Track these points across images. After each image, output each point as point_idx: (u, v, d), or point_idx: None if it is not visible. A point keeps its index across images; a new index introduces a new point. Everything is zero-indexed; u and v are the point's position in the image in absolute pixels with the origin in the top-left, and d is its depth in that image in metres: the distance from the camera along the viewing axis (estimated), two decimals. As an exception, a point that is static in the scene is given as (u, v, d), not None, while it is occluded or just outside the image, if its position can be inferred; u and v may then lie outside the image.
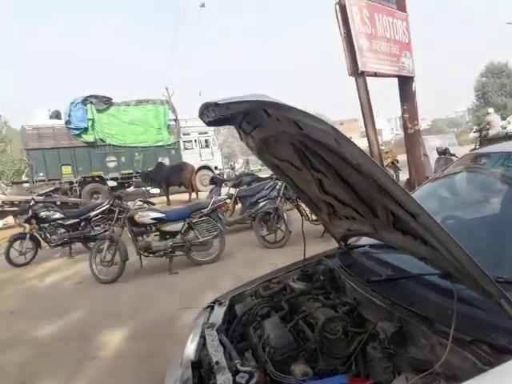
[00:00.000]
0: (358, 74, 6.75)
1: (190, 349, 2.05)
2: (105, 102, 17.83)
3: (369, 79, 7.04)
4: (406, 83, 7.86)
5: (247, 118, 1.70)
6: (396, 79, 7.91)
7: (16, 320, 4.79)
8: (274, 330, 1.80)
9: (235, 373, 1.58)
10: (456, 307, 1.34)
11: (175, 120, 19.26)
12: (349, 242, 2.37)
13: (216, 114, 1.65)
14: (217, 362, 1.68)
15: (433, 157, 9.59)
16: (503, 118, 29.55)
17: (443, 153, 8.79)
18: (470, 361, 1.23)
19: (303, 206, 6.66)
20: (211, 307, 2.32)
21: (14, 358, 3.73)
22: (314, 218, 6.40)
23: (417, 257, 1.61)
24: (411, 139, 7.87)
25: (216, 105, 1.49)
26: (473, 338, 1.28)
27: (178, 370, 1.93)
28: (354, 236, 2.30)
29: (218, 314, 2.18)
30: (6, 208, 13.54)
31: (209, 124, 1.90)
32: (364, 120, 7.08)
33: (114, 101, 18.11)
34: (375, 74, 7.38)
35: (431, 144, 9.89)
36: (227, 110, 1.54)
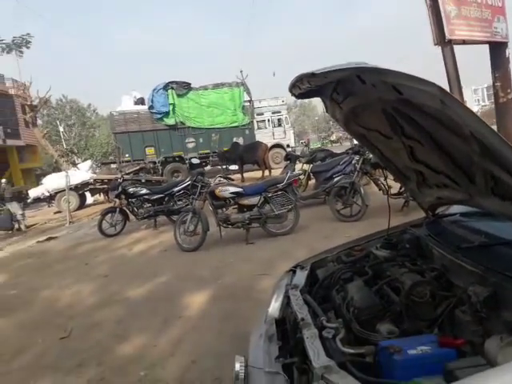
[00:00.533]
0: (444, 42, 6.31)
1: (274, 307, 2.15)
2: (184, 87, 18.62)
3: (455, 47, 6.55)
4: (498, 49, 7.18)
5: (339, 87, 1.69)
6: (485, 46, 7.26)
7: (110, 283, 5.32)
8: (359, 293, 1.82)
9: (321, 328, 1.63)
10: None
11: (249, 101, 19.53)
12: (437, 212, 2.30)
13: (310, 85, 1.66)
14: (302, 319, 1.75)
15: (527, 128, 8.69)
16: None
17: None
18: None
19: (381, 180, 6.48)
20: (293, 271, 2.40)
21: (109, 315, 4.16)
22: (394, 192, 6.21)
23: (516, 221, 1.54)
24: (503, 109, 7.23)
25: (313, 75, 1.50)
26: None
27: (263, 326, 2.05)
28: (444, 205, 2.23)
29: (301, 276, 2.24)
30: (97, 186, 14.86)
31: (298, 97, 1.92)
32: (451, 90, 6.62)
33: (192, 86, 18.81)
34: (464, 42, 6.84)
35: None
36: (324, 78, 1.54)
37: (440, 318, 1.64)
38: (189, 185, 7.83)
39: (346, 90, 1.67)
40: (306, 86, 1.68)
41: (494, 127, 7.34)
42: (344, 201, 6.63)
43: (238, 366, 1.67)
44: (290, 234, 6.31)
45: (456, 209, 2.21)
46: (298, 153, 14.42)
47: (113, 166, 19.73)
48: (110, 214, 8.62)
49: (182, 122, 18.71)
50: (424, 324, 1.66)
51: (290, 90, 1.87)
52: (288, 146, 19.83)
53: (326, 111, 2.15)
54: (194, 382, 2.76)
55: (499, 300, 1.49)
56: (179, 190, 8.29)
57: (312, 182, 8.68)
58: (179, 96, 18.53)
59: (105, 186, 14.65)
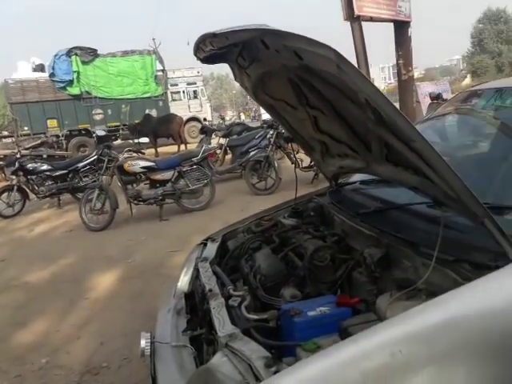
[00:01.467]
0: (353, 18, 6.55)
1: (184, 281, 2.12)
2: (90, 54, 17.18)
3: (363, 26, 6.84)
4: (402, 28, 7.65)
5: (244, 52, 1.65)
6: (391, 25, 7.69)
7: (7, 267, 4.86)
8: (266, 260, 1.85)
9: (228, 298, 1.64)
10: (442, 231, 1.38)
11: (162, 71, 18.68)
12: (340, 181, 2.40)
13: (213, 47, 1.60)
14: (210, 290, 1.74)
15: (425, 103, 9.48)
16: (497, 66, 29.09)
17: (436, 98, 8.67)
18: (451, 278, 1.29)
19: (294, 154, 6.68)
20: (204, 244, 2.37)
21: (6, 302, 3.81)
22: (305, 165, 6.44)
23: (408, 187, 1.65)
24: (405, 86, 7.79)
25: (214, 35, 1.44)
26: (455, 257, 1.33)
27: (172, 301, 2.00)
28: (346, 173, 2.33)
29: (211, 249, 2.23)
30: (-10, 163, 13.32)
31: (203, 61, 1.85)
32: (358, 66, 6.94)
33: (99, 52, 17.44)
34: (371, 19, 7.16)
35: (424, 91, 9.76)
36: (225, 39, 1.48)
37: (339, 279, 1.73)
38: (94, 159, 7.34)
39: (251, 56, 1.63)
40: (209, 49, 1.62)
41: (397, 103, 7.90)
42: (259, 175, 6.73)
43: (143, 343, 1.61)
44: (206, 209, 6.27)
45: (356, 177, 2.32)
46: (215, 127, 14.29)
47: (9, 140, 17.80)
48: (6, 193, 7.76)
49: (87, 92, 17.31)
50: (325, 286, 1.74)
51: (195, 53, 1.79)
52: (205, 119, 19.49)
53: (235, 79, 2.11)
54: (101, 364, 2.65)
55: (391, 260, 1.60)
56: (84, 166, 7.74)
57: (229, 156, 8.66)
58: (84, 63, 17.08)
59: (0, 162, 13.19)
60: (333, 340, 1.23)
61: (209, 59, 1.80)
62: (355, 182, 2.29)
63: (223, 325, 1.43)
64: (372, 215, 1.83)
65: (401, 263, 1.56)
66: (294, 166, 6.68)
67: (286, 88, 1.74)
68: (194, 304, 1.91)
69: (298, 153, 6.79)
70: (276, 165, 6.62)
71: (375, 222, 1.76)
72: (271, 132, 6.99)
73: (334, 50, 1.13)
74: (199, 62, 1.89)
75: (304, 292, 1.72)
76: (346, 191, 2.28)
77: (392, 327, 1.13)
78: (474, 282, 1.20)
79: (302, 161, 6.70)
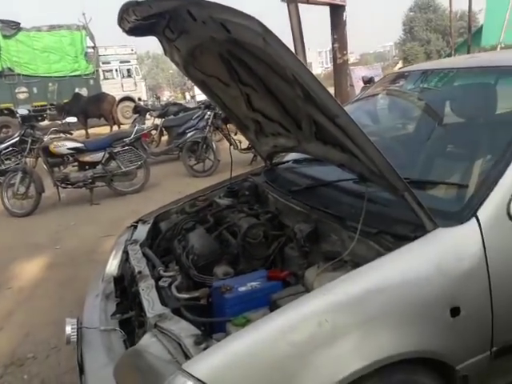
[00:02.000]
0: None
1: (113, 265, 2.05)
2: (12, 27, 15.65)
3: (301, 8, 6.87)
4: (337, 12, 7.76)
5: (171, 23, 1.59)
6: (328, 9, 7.78)
7: None
8: (199, 240, 1.84)
9: (158, 279, 1.60)
10: (366, 206, 1.45)
11: (93, 47, 17.56)
12: (274, 161, 2.43)
13: (137, 17, 1.52)
14: (139, 272, 1.70)
15: (359, 87, 9.80)
16: (426, 53, 30.73)
17: (368, 82, 8.97)
18: (374, 248, 1.36)
19: (232, 135, 6.65)
20: (134, 226, 2.30)
21: None
22: (244, 147, 6.43)
23: (335, 164, 1.69)
24: (339, 69, 7.96)
25: (137, 3, 1.39)
26: (378, 229, 1.40)
27: (100, 285, 1.93)
28: (280, 152, 2.35)
29: (142, 231, 2.17)
30: None
31: (129, 33, 1.76)
32: (295, 49, 6.98)
33: (22, 26, 15.95)
34: (307, 1, 7.20)
35: (358, 75, 10.08)
36: (149, 9, 1.42)
37: (272, 255, 1.76)
38: (17, 141, 6.77)
39: (179, 27, 1.57)
40: (133, 19, 1.54)
41: (333, 88, 8.09)
42: (197, 156, 6.61)
43: (68, 329, 1.54)
44: (140, 192, 6.04)
45: (290, 156, 2.36)
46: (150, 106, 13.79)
47: None
48: None
49: (10, 69, 15.83)
50: (259, 262, 1.76)
51: (119, 24, 1.70)
52: (139, 99, 18.67)
53: (165, 54, 2.03)
54: (26, 354, 2.49)
55: (320, 234, 1.66)
56: (6, 148, 7.08)
57: (165, 137, 8.41)
58: (6, 37, 15.53)
59: None
60: (263, 313, 1.25)
61: (135, 31, 1.72)
62: (289, 161, 2.33)
63: (152, 306, 1.42)
64: (303, 192, 1.87)
65: (329, 237, 1.62)
66: (234, 147, 6.65)
67: (218, 63, 1.71)
68: (124, 288, 1.86)
69: (236, 134, 6.76)
70: (214, 146, 6.53)
71: (306, 199, 1.80)
72: (209, 113, 6.86)
73: (259, 22, 1.12)
74: (125, 34, 1.80)
75: (238, 269, 1.73)
76: (280, 170, 2.31)
77: (318, 298, 1.17)
78: (394, 252, 1.27)
79: (240, 142, 6.67)
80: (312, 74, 1.22)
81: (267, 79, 1.53)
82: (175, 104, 10.02)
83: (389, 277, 1.23)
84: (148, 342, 1.27)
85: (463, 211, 1.34)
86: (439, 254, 1.27)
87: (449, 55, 15.34)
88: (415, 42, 33.85)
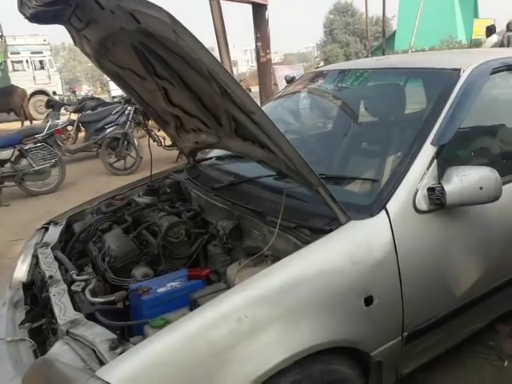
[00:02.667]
0: (212, -4, 6.48)
1: (21, 270, 1.88)
2: None
3: (226, 7, 6.84)
4: (259, 10, 7.86)
5: (78, 11, 1.49)
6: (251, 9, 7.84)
7: None
8: (116, 241, 1.76)
9: (71, 283, 1.51)
10: (284, 201, 1.48)
11: (0, 36, 16.04)
12: (197, 157, 2.39)
13: (37, 2, 1.39)
14: (50, 276, 1.58)
15: (282, 86, 10.01)
16: (346, 55, 32.30)
17: (291, 81, 9.21)
18: (293, 242, 1.39)
19: (155, 131, 6.45)
20: (45, 228, 2.13)
21: None
22: (168, 143, 6.27)
23: (255, 160, 1.70)
24: (263, 68, 8.08)
25: None
26: (296, 224, 1.44)
27: (7, 293, 1.76)
28: (202, 149, 2.32)
29: (54, 233, 2.02)
30: None
31: (31, 19, 1.62)
32: (218, 47, 6.95)
33: None
34: (230, -2, 7.19)
35: (281, 74, 10.28)
36: None
37: (194, 254, 1.73)
38: None
39: (86, 16, 1.48)
40: (34, 4, 1.41)
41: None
42: (117, 153, 6.31)
43: (-33, 344, 1.38)
44: (55, 192, 5.64)
45: (213, 153, 2.34)
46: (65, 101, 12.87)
47: None
48: None
49: None
50: (181, 262, 1.73)
51: (20, 10, 1.56)
52: (54, 93, 17.36)
53: (75, 44, 1.91)
54: None
55: (242, 230, 1.66)
56: None
57: (83, 133, 7.92)
58: None
59: None
60: (182, 314, 1.22)
61: (37, 18, 1.58)
62: (212, 158, 2.31)
63: (64, 311, 1.34)
64: (225, 189, 1.86)
65: (251, 233, 1.63)
66: (157, 144, 6.45)
67: (132, 55, 1.63)
68: (34, 294, 1.72)
69: (159, 130, 6.55)
70: (136, 142, 6.28)
71: (228, 196, 1.80)
72: (130, 108, 6.58)
73: (168, 13, 1.08)
74: (27, 20, 1.65)
75: (159, 270, 1.68)
76: (203, 167, 2.28)
77: (237, 294, 1.17)
78: (311, 245, 1.31)
79: (164, 139, 6.48)
80: (225, 68, 1.21)
81: (183, 73, 1.50)
82: (93, 98, 9.44)
83: (306, 269, 1.26)
84: (59, 350, 1.19)
85: (374, 204, 1.42)
86: (352, 246, 1.33)
87: (366, 58, 16.36)
88: (335, 43, 35.47)
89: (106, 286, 1.58)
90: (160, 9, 1.08)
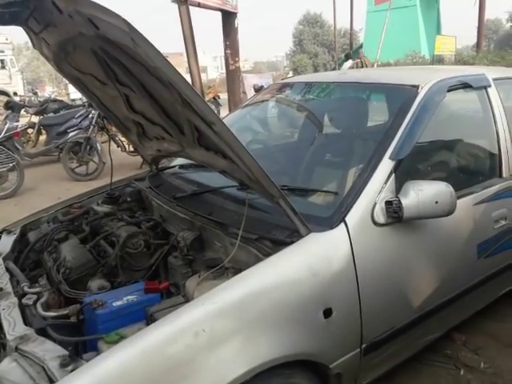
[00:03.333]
0: (181, 1, 6.46)
1: (-33, 283, 1.78)
2: None
3: (196, 12, 6.84)
4: (229, 18, 7.92)
5: (36, 13, 1.44)
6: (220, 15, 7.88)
7: None
8: (72, 252, 1.70)
9: (22, 296, 1.44)
10: (246, 212, 1.47)
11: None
12: (160, 166, 2.35)
13: None
14: (0, 289, 1.50)
15: (251, 94, 10.06)
16: (314, 66, 32.87)
17: (259, 90, 9.27)
18: (254, 254, 1.38)
19: (119, 136, 6.31)
20: (-2, 237, 2.03)
21: None
22: (132, 149, 6.14)
23: (218, 170, 1.69)
24: (232, 76, 8.12)
25: None
26: (258, 235, 1.43)
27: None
28: (165, 157, 2.28)
29: (6, 242, 1.92)
30: None
31: None
32: (187, 52, 6.93)
33: None
34: (199, 5, 7.19)
35: (250, 82, 10.33)
36: None
37: (154, 266, 1.69)
38: None
39: (45, 19, 1.43)
40: None
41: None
42: (79, 158, 6.13)
43: None
44: (12, 197, 5.41)
45: (177, 161, 2.31)
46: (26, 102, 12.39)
47: None
48: None
49: None
50: (139, 274, 1.68)
51: None
52: (15, 93, 16.73)
53: (34, 46, 1.85)
54: None
55: (204, 242, 1.64)
56: None
57: (44, 137, 7.64)
58: None
59: None
60: (138, 328, 1.18)
61: None
62: (175, 166, 2.27)
63: (14, 327, 1.27)
64: (188, 199, 1.84)
65: (213, 244, 1.61)
66: (121, 149, 6.32)
67: (92, 61, 1.59)
68: None
69: (123, 136, 6.42)
70: (99, 147, 6.11)
71: (190, 206, 1.77)
72: (93, 111, 6.42)
73: (125, 20, 1.06)
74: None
75: (116, 282, 1.63)
76: (166, 175, 2.24)
77: (195, 308, 1.15)
78: (271, 257, 1.31)
79: (128, 144, 6.37)
80: (183, 78, 1.19)
81: (145, 80, 1.47)
82: (55, 101, 9.13)
83: (265, 282, 1.26)
84: (7, 367, 1.13)
85: (333, 217, 1.44)
86: (312, 258, 1.34)
87: (334, 69, 16.74)
88: (304, 54, 36.04)
89: (61, 298, 1.51)
90: (117, 16, 1.06)
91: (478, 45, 13.00)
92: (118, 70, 1.53)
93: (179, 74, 1.16)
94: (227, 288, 1.21)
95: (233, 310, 1.18)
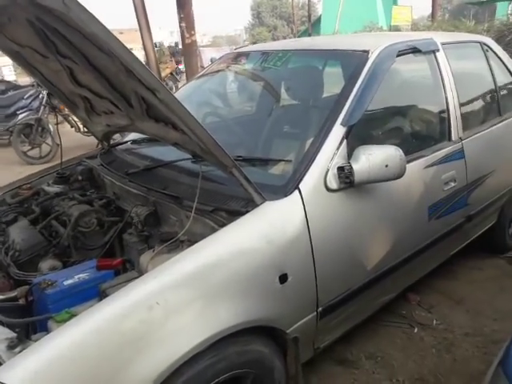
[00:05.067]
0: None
1: None
2: None
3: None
4: (182, -11, 7.61)
5: None
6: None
7: None
8: (21, 234, 1.63)
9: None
10: (201, 185, 1.45)
11: None
12: (112, 142, 2.26)
13: None
14: None
15: (209, 69, 9.85)
16: (273, 39, 32.54)
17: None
18: (210, 226, 1.37)
19: (74, 117, 6.04)
20: None
21: None
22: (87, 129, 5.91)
23: (170, 143, 1.65)
24: (189, 50, 7.85)
25: None
26: (213, 207, 1.42)
27: None
28: (115, 132, 2.20)
29: (-51, 228, 1.81)
30: None
31: None
32: (139, 25, 6.66)
33: None
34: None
35: (207, 56, 10.12)
36: None
37: (108, 243, 1.65)
38: None
39: None
40: None
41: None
42: (31, 141, 5.83)
43: None
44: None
45: (130, 137, 2.23)
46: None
47: None
48: None
49: None
50: (94, 253, 1.64)
51: None
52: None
53: None
54: None
55: (159, 216, 1.61)
56: None
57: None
58: None
59: None
60: (90, 306, 1.15)
61: None
62: (127, 142, 2.20)
63: None
64: (141, 174, 1.79)
65: (168, 218, 1.58)
66: (75, 130, 6.05)
67: (30, 32, 1.49)
68: None
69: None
70: (52, 129, 5.83)
71: (144, 181, 1.73)
72: (44, 91, 6.09)
73: None
74: None
75: (70, 261, 1.58)
76: (118, 152, 2.17)
77: (148, 281, 1.13)
78: (227, 226, 1.30)
79: (84, 125, 6.11)
80: (121, 43, 1.12)
81: (86, 51, 1.39)
82: (2, 81, 8.61)
83: (220, 251, 1.25)
84: None
85: (287, 185, 1.45)
86: (267, 226, 1.34)
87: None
88: (263, 27, 35.49)
89: (11, 282, 1.46)
90: None
91: (432, 15, 13.21)
92: (57, 40, 1.44)
93: (117, 40, 1.09)
94: (181, 260, 1.20)
95: (187, 281, 1.18)
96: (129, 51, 1.12)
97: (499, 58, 2.54)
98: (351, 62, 1.82)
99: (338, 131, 1.54)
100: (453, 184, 2.00)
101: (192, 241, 1.40)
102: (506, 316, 2.18)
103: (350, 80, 1.70)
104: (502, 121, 2.40)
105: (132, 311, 1.08)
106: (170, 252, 1.35)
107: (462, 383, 1.81)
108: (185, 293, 1.17)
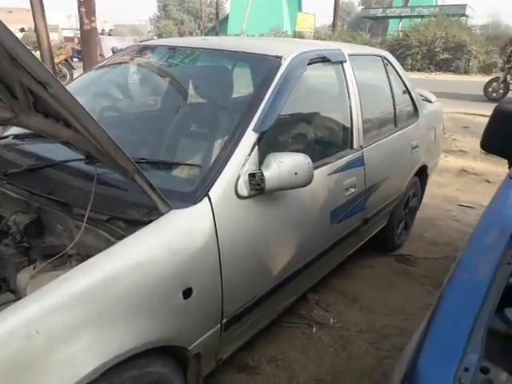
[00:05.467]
0: None
1: None
2: None
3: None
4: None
5: None
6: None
7: None
8: None
9: None
10: (96, 189, 1.28)
11: None
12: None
13: None
14: None
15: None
16: (180, 33, 31.77)
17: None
18: (104, 237, 1.22)
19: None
20: None
21: None
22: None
23: (60, 141, 1.44)
24: (88, 37, 7.26)
25: None
26: (109, 216, 1.26)
27: None
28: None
29: None
30: None
31: None
32: (31, 5, 5.94)
33: None
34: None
35: (108, 45, 9.46)
36: None
37: None
38: None
39: None
40: None
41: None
42: None
43: None
44: None
45: (12, 130, 1.93)
46: None
47: None
48: None
49: None
50: None
51: None
52: None
53: None
54: None
55: (43, 226, 1.39)
56: None
57: None
58: None
59: None
60: None
61: None
62: (8, 137, 1.90)
63: None
64: (23, 175, 1.54)
65: (54, 228, 1.38)
66: None
67: None
68: None
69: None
70: None
71: (26, 183, 1.49)
72: None
73: None
74: None
75: None
76: (-4, 147, 1.86)
77: (27, 306, 0.96)
78: (125, 239, 1.16)
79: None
80: (9, 30, 0.94)
81: None
82: None
83: (116, 268, 1.10)
84: None
85: (196, 192, 1.35)
86: (172, 236, 1.23)
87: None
88: (170, 20, 34.58)
89: None
90: None
91: (333, 25, 14.06)
92: None
93: (2, 24, 0.90)
94: (68, 279, 1.03)
95: (76, 303, 1.02)
96: (15, 37, 0.92)
97: (397, 72, 2.74)
98: (263, 66, 1.78)
99: (250, 137, 1.49)
100: (353, 190, 2.09)
101: (83, 255, 1.23)
102: (394, 312, 2.34)
103: (262, 86, 1.66)
104: (397, 131, 2.58)
105: (7, 341, 0.89)
106: (56, 269, 1.16)
107: (355, 379, 1.88)
108: (72, 317, 1.01)
